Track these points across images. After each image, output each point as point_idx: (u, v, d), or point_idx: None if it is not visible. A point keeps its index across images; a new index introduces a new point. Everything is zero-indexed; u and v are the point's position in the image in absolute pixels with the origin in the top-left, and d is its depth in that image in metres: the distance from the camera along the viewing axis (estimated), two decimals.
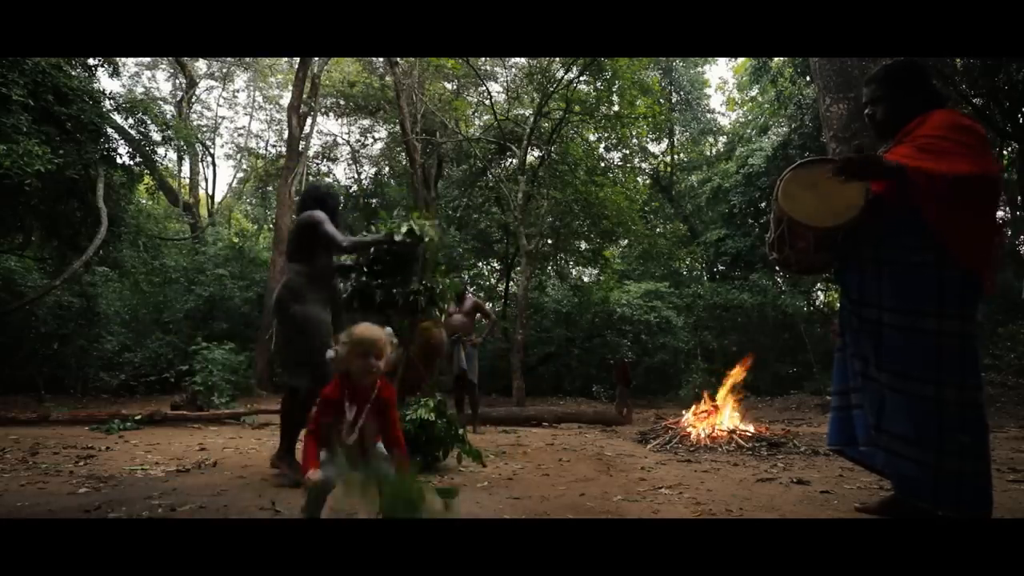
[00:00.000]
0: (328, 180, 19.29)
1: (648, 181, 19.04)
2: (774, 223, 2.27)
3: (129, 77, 18.81)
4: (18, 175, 6.42)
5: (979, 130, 1.98)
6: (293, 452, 3.05)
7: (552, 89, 12.11)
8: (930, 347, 1.92)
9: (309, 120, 14.65)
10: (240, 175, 23.25)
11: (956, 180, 1.84)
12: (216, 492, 2.74)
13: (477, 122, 17.07)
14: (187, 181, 20.30)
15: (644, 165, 19.12)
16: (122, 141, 9.31)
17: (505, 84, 15.32)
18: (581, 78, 12.32)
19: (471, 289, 13.54)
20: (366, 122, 18.62)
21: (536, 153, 13.49)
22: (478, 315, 6.31)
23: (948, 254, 1.89)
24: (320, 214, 3.17)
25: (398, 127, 15.27)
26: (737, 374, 5.40)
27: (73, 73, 8.01)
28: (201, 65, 19.93)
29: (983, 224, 1.91)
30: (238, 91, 22.04)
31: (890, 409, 1.99)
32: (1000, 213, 14.83)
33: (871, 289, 2.08)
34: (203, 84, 20.82)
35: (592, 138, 15.11)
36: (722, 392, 5.28)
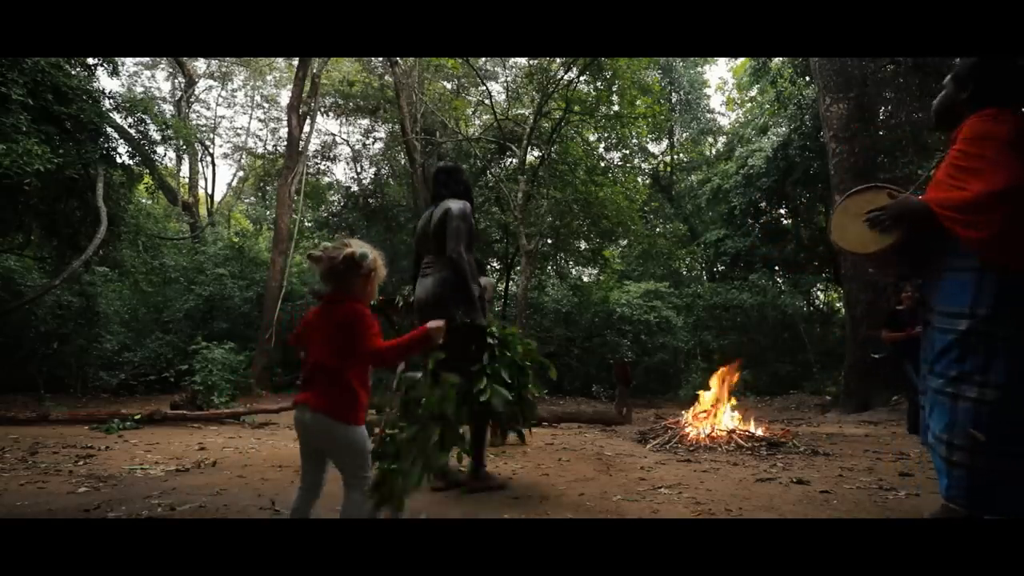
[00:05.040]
0: (327, 180, 19.29)
1: (648, 181, 19.03)
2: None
3: (129, 77, 18.84)
4: (18, 175, 6.41)
5: (996, 135, 1.94)
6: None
7: (552, 89, 12.11)
8: (954, 346, 1.96)
9: (309, 120, 14.61)
10: (240, 174, 23.27)
11: (968, 205, 1.89)
12: (216, 492, 2.74)
13: (477, 122, 17.06)
14: (186, 181, 20.30)
15: (644, 165, 19.13)
16: (122, 140, 9.30)
17: (505, 84, 15.31)
18: (581, 78, 12.32)
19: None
20: (366, 122, 18.60)
21: (536, 153, 13.49)
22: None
23: (988, 258, 1.93)
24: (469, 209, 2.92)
25: (398, 127, 15.27)
26: (724, 375, 5.40)
27: (73, 72, 8.00)
28: (200, 64, 19.93)
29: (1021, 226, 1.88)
30: (236, 90, 22.06)
31: (932, 408, 2.04)
32: None
33: (930, 294, 2.17)
34: (202, 83, 20.83)
35: (592, 138, 15.10)
36: (713, 392, 5.28)
